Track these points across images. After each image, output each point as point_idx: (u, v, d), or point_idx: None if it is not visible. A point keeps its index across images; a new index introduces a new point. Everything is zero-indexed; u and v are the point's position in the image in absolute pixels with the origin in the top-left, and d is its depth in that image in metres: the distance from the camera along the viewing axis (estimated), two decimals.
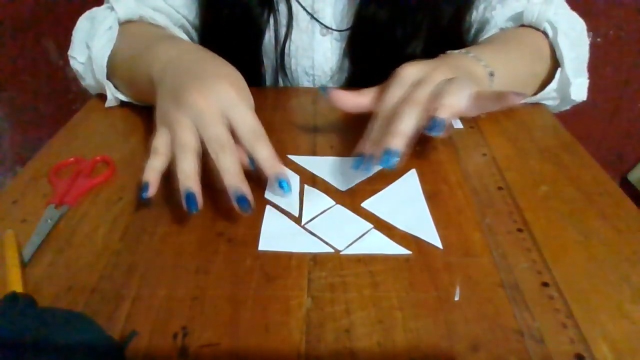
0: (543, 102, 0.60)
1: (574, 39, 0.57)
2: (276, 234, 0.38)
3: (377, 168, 0.42)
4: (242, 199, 0.37)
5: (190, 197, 0.36)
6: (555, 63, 0.58)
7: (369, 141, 0.41)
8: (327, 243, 0.38)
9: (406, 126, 0.39)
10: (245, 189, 0.37)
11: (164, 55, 0.47)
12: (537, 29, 0.59)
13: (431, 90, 0.41)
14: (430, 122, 0.38)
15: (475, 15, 0.64)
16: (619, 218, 0.41)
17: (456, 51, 0.51)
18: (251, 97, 0.43)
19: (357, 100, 0.47)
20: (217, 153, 0.38)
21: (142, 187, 0.38)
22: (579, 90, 0.58)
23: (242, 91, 0.42)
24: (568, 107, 0.62)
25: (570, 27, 0.58)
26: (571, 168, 0.48)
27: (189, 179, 0.37)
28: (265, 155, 0.39)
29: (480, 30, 0.64)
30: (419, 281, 0.34)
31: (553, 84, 0.57)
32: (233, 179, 0.37)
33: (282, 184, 0.39)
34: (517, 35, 0.60)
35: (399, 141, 0.39)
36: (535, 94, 0.59)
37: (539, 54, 0.58)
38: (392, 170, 0.39)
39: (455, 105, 0.39)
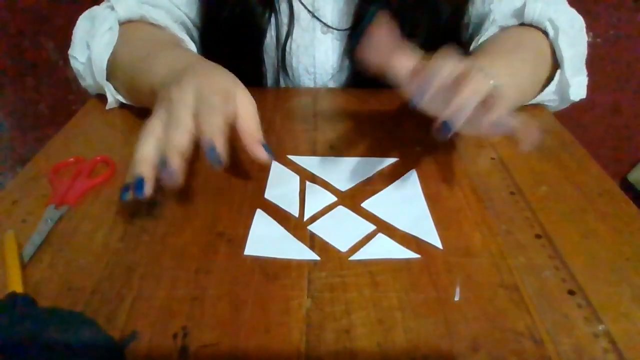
0: (542, 102, 0.60)
1: (573, 37, 0.57)
2: (264, 239, 0.38)
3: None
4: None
5: (140, 181, 0.35)
6: (556, 63, 0.58)
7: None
8: (328, 245, 0.38)
9: (468, 106, 0.36)
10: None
11: (167, 67, 0.47)
12: (538, 28, 0.59)
13: (489, 87, 0.38)
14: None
15: (472, 9, 0.63)
16: (619, 218, 0.41)
17: None
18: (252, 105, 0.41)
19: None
20: (168, 129, 0.36)
21: (137, 180, 0.35)
22: (578, 89, 0.58)
23: (224, 82, 0.40)
24: (567, 105, 0.61)
25: (570, 25, 0.57)
26: (571, 168, 0.48)
27: (143, 161, 0.35)
28: (211, 122, 0.36)
29: (479, 25, 0.64)
30: (419, 281, 0.34)
31: (551, 87, 0.57)
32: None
33: (211, 154, 0.35)
34: (520, 38, 0.59)
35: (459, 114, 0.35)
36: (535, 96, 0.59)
37: (541, 57, 0.57)
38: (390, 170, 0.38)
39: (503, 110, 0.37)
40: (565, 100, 0.59)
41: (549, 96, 0.59)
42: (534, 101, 0.59)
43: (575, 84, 0.57)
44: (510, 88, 0.49)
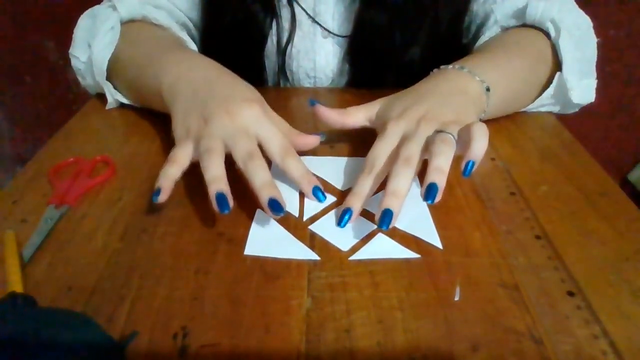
0: (543, 109, 0.59)
1: (578, 38, 0.55)
2: (264, 239, 0.38)
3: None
4: (273, 203, 0.37)
5: (221, 197, 0.37)
6: (558, 65, 0.56)
7: (356, 195, 0.39)
8: (329, 244, 0.38)
9: (402, 186, 0.37)
10: (276, 193, 0.38)
11: (174, 68, 0.48)
12: (540, 29, 0.57)
13: (421, 147, 0.39)
14: (425, 190, 0.36)
15: (476, 9, 0.63)
16: (619, 218, 0.41)
17: (450, 66, 0.49)
18: (279, 117, 0.45)
19: (342, 119, 0.48)
20: (245, 162, 0.39)
21: (155, 191, 0.38)
22: (585, 92, 0.56)
23: (269, 112, 0.44)
24: (576, 110, 0.59)
25: (575, 26, 0.56)
26: (571, 168, 0.48)
27: (218, 179, 0.38)
28: (298, 169, 0.41)
29: (481, 25, 0.63)
30: (419, 281, 0.34)
31: (550, 90, 0.55)
32: (263, 185, 0.38)
33: (317, 195, 0.41)
34: (519, 39, 0.58)
35: (395, 202, 0.37)
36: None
37: (541, 58, 0.56)
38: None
39: (445, 166, 0.37)
40: (568, 104, 0.57)
41: (548, 100, 0.57)
42: (533, 108, 0.58)
43: (582, 86, 0.55)
44: (499, 88, 0.49)
